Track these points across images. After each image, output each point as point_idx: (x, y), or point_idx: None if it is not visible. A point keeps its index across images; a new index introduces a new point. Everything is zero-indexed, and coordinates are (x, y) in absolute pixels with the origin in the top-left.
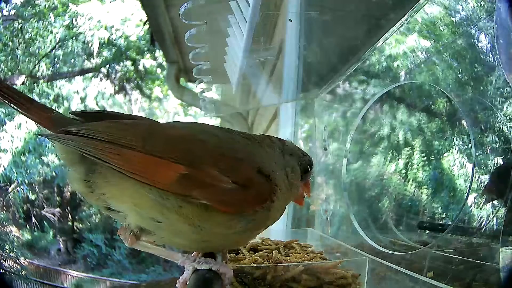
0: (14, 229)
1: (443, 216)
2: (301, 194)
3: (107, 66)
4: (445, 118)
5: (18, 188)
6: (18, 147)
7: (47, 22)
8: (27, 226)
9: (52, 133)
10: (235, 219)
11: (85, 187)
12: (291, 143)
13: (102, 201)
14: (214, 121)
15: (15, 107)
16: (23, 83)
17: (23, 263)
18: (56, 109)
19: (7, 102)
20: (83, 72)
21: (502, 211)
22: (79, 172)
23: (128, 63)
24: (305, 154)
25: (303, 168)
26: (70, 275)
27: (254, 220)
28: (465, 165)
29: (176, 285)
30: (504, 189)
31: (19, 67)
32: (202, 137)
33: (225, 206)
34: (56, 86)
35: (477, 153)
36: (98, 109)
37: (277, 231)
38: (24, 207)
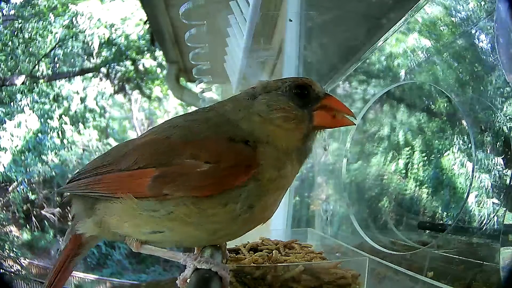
0: (14, 229)
1: (443, 215)
2: (326, 116)
3: (107, 66)
4: (445, 118)
5: (18, 188)
6: (18, 145)
7: (47, 22)
8: (27, 226)
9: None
10: (224, 201)
11: (97, 228)
12: (265, 81)
13: (112, 234)
14: None
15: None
16: (23, 83)
17: (23, 263)
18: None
19: None
20: (83, 72)
21: (502, 210)
22: (89, 217)
23: (128, 63)
24: (286, 80)
25: (294, 94)
26: (70, 275)
27: (247, 196)
28: (465, 165)
29: (176, 281)
30: None
31: (19, 67)
32: (165, 134)
33: (204, 190)
34: (56, 86)
35: (477, 153)
36: (98, 108)
37: (277, 231)
38: (24, 207)
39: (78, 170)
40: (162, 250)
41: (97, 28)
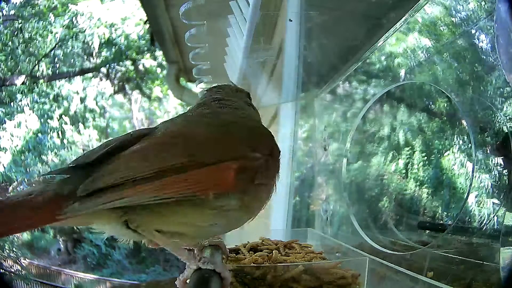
0: None
1: (444, 215)
2: None
3: (107, 66)
4: (445, 118)
5: (18, 188)
6: (18, 145)
7: (47, 22)
8: None
9: (76, 206)
10: (268, 189)
11: (133, 234)
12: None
13: (150, 234)
14: None
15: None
16: (23, 83)
17: (23, 263)
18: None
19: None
20: (83, 72)
21: (502, 210)
22: (121, 225)
23: (128, 63)
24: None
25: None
26: (70, 275)
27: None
28: (465, 165)
29: (176, 282)
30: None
31: (19, 67)
32: (220, 129)
33: (274, 177)
34: (56, 86)
35: (477, 153)
36: (98, 108)
37: (277, 231)
38: None
39: (90, 178)
40: (173, 244)
41: (97, 28)
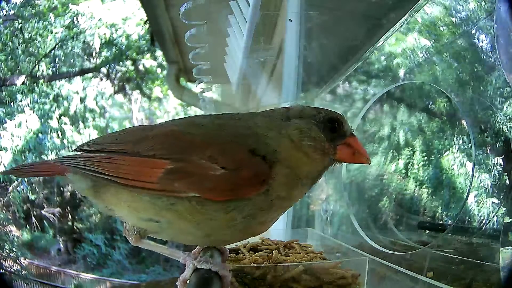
0: (14, 229)
1: (443, 215)
2: (347, 153)
3: (107, 66)
4: (445, 118)
5: (18, 188)
6: (18, 145)
7: (47, 22)
8: (27, 226)
9: (60, 160)
10: (230, 208)
11: (93, 195)
12: (300, 106)
13: (108, 210)
14: None
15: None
16: (23, 83)
17: (23, 263)
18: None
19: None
20: (83, 72)
21: (502, 210)
22: (86, 182)
23: (128, 63)
24: (321, 111)
25: (325, 126)
26: (70, 275)
27: (252, 208)
28: (465, 165)
29: (176, 283)
30: None
31: (19, 67)
32: (189, 130)
33: (215, 194)
34: (56, 86)
35: (477, 153)
36: (98, 108)
37: (277, 231)
38: (24, 207)
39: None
40: (161, 246)
41: (98, 28)
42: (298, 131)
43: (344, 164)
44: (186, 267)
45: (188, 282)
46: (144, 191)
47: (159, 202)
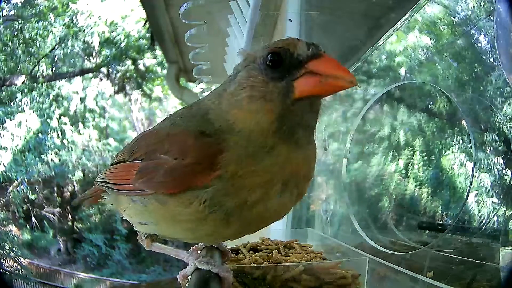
0: (14, 228)
1: (443, 215)
2: (310, 83)
3: (107, 66)
4: (445, 118)
5: (18, 188)
6: (18, 145)
7: (47, 22)
8: (27, 226)
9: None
10: (189, 200)
11: (115, 205)
12: (246, 52)
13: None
14: None
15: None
16: (23, 83)
17: (23, 263)
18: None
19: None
20: (83, 72)
21: (502, 210)
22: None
23: (129, 62)
24: (267, 46)
25: (266, 66)
26: (70, 275)
27: (213, 195)
28: (465, 164)
29: (177, 276)
30: None
31: (19, 67)
32: (157, 126)
33: (168, 188)
34: (56, 86)
35: (477, 153)
36: (98, 108)
37: (277, 231)
38: (24, 207)
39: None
40: (169, 248)
41: (97, 26)
42: (234, 86)
43: (344, 164)
44: (189, 263)
45: (189, 278)
46: (130, 194)
47: (138, 205)
